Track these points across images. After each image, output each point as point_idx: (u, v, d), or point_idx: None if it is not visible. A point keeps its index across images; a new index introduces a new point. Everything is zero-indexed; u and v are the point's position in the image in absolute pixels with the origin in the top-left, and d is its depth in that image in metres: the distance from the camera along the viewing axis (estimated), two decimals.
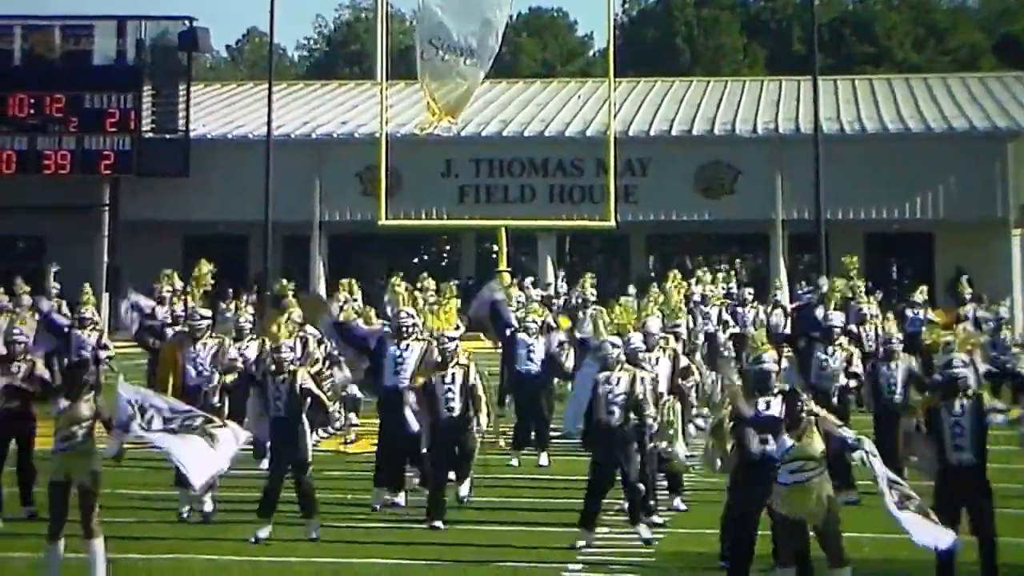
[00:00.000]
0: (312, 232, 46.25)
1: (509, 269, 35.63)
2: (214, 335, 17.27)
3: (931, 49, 78.15)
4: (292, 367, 15.59)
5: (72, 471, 12.79)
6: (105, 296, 41.39)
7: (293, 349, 16.66)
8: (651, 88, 53.85)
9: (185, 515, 16.11)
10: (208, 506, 16.08)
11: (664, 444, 15.61)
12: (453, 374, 16.21)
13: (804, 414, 12.18)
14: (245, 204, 43.76)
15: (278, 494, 15.28)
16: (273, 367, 15.59)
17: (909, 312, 27.52)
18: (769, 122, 47.36)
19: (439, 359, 16.47)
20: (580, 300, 27.80)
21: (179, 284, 27.93)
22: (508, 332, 21.29)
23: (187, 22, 47.31)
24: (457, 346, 16.64)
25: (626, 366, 15.24)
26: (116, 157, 45.84)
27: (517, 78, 60.25)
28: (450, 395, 16.12)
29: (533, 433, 20.59)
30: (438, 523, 15.76)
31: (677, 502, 16.68)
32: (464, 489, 17.00)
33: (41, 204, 45.62)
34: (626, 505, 15.29)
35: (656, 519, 15.71)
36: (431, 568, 14.10)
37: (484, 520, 15.99)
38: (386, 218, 34.74)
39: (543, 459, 20.05)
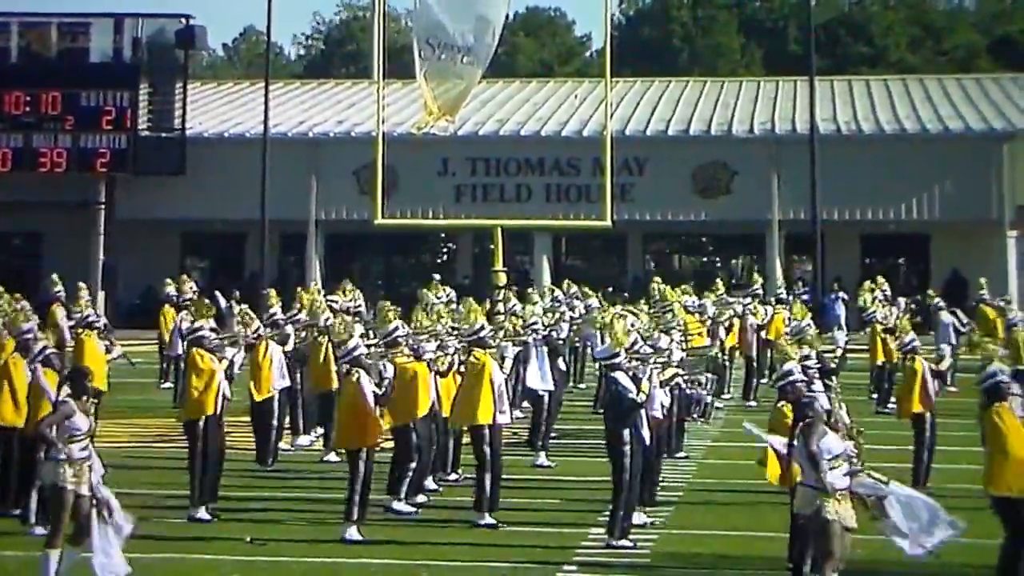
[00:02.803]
0: (308, 230, 46.24)
1: (505, 269, 35.57)
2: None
3: (927, 50, 78.20)
4: None
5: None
6: (100, 294, 41.42)
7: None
8: (648, 88, 53.84)
9: None
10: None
11: None
12: None
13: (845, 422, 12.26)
14: (242, 203, 43.75)
15: None
16: None
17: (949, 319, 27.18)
18: (766, 122, 47.36)
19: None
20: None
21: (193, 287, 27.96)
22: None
23: (184, 20, 47.30)
24: None
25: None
26: (112, 155, 45.78)
27: (514, 77, 60.22)
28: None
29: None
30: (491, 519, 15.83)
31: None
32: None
33: (37, 201, 45.58)
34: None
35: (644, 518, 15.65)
36: (426, 568, 14.08)
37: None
38: (382, 217, 34.61)
39: (542, 459, 20.13)
